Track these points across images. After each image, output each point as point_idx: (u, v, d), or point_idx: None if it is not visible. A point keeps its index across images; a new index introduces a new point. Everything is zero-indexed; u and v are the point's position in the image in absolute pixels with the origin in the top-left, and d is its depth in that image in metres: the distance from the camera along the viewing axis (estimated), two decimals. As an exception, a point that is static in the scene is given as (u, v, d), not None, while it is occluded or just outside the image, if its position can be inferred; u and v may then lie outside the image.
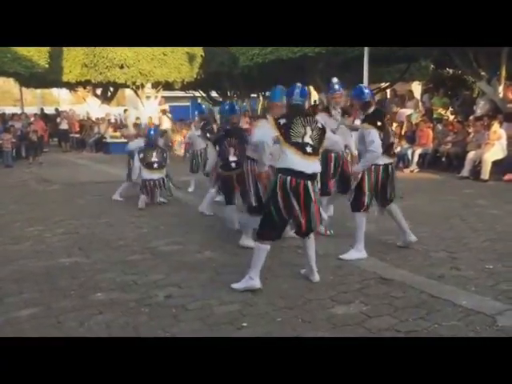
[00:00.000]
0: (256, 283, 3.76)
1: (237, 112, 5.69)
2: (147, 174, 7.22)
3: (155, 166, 7.24)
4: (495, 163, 9.11)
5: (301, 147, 3.68)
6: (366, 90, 4.72)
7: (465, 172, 9.36)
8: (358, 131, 4.75)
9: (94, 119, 19.72)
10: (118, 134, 17.99)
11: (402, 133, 11.41)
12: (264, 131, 3.84)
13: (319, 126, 3.81)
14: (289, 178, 3.65)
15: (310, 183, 3.70)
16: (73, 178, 10.39)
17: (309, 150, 3.70)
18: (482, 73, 10.94)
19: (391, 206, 4.72)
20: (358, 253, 4.53)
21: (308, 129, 3.72)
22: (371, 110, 4.55)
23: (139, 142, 7.81)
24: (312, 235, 3.92)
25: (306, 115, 3.81)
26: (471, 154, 9.45)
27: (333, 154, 5.50)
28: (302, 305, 3.53)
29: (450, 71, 15.64)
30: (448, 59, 11.89)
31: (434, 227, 5.56)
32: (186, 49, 17.02)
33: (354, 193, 4.60)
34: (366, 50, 11.14)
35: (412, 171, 10.44)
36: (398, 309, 3.40)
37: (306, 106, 4.06)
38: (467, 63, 11.21)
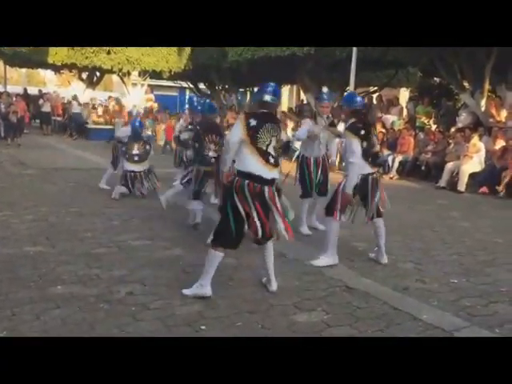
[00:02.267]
0: (206, 291, 3.63)
1: (216, 111, 5.74)
2: (128, 166, 7.18)
3: (136, 158, 7.19)
4: (472, 175, 9.23)
5: (264, 155, 3.59)
6: (358, 98, 4.70)
7: (442, 182, 9.46)
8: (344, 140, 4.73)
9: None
10: (101, 119, 17.75)
11: (384, 139, 11.46)
12: (235, 130, 3.69)
13: (282, 138, 3.75)
14: (247, 181, 3.54)
15: (267, 188, 3.60)
16: (49, 163, 10.20)
17: (271, 160, 3.61)
18: (466, 84, 11.03)
19: (378, 221, 4.59)
20: (327, 258, 4.49)
21: (273, 139, 3.63)
22: (357, 118, 4.47)
23: (127, 131, 7.63)
24: (270, 243, 3.78)
25: (274, 122, 3.70)
26: (450, 165, 9.55)
27: (312, 159, 5.53)
28: (265, 310, 3.50)
29: (438, 80, 15.73)
30: (435, 68, 11.96)
31: (405, 237, 5.59)
32: (176, 39, 16.84)
33: (331, 197, 4.57)
34: (355, 52, 11.13)
35: (391, 178, 10.50)
36: (358, 319, 3.40)
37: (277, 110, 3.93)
38: (452, 74, 11.29)
